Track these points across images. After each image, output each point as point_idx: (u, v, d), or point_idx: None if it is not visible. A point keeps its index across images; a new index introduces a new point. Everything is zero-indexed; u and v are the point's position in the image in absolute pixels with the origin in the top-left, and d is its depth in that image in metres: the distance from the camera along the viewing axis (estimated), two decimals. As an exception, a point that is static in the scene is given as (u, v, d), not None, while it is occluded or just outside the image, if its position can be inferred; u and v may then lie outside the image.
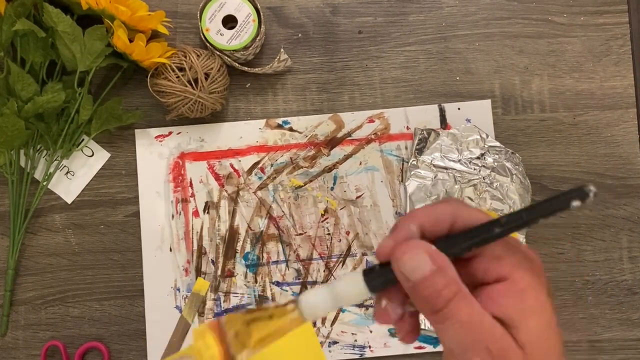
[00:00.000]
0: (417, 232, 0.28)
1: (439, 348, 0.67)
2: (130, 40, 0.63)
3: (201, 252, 0.69)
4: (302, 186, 0.69)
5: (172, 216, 0.69)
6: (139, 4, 0.63)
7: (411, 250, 0.27)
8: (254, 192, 0.69)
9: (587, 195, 0.28)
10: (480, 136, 0.68)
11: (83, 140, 0.69)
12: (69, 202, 0.69)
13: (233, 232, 0.69)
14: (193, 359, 0.34)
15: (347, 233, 0.69)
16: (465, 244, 0.28)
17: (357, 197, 0.69)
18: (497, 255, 0.27)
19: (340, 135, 0.70)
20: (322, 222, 0.69)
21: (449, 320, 0.26)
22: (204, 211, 0.69)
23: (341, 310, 0.67)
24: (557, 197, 0.28)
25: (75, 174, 0.69)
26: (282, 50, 0.67)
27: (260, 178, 0.69)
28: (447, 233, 0.29)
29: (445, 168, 0.68)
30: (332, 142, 0.69)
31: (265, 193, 0.69)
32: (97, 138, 0.69)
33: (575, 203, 0.28)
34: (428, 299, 0.26)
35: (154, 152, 0.69)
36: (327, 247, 0.69)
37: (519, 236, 0.67)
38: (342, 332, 0.68)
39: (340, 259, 0.69)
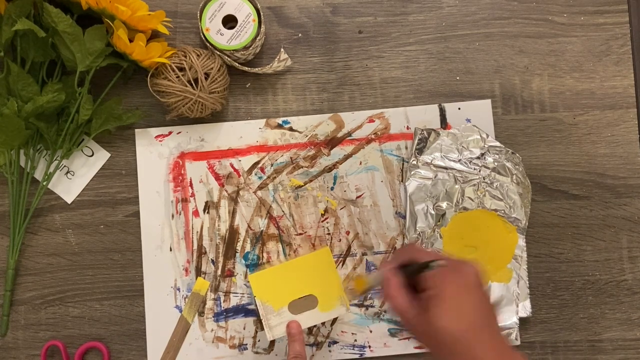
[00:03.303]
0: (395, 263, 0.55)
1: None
2: (130, 40, 0.63)
3: (201, 251, 0.69)
4: (302, 186, 0.69)
5: (172, 216, 0.69)
6: (139, 3, 0.63)
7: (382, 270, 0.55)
8: (254, 192, 0.69)
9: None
10: (481, 136, 0.68)
11: (83, 140, 0.69)
12: (69, 202, 0.69)
13: (233, 232, 0.69)
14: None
15: (347, 233, 0.69)
16: (408, 272, 0.53)
17: (357, 197, 0.69)
18: (425, 276, 0.51)
19: (340, 135, 0.69)
20: (322, 222, 0.69)
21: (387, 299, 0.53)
22: (204, 211, 0.69)
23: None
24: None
25: (75, 174, 0.69)
26: (282, 50, 0.67)
27: (260, 178, 0.69)
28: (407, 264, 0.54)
29: (446, 168, 0.68)
30: (332, 142, 0.69)
31: (265, 193, 0.69)
32: (97, 138, 0.69)
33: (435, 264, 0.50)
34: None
35: (154, 152, 0.69)
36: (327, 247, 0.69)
37: (520, 237, 0.67)
38: (342, 332, 0.68)
39: (340, 258, 0.68)
